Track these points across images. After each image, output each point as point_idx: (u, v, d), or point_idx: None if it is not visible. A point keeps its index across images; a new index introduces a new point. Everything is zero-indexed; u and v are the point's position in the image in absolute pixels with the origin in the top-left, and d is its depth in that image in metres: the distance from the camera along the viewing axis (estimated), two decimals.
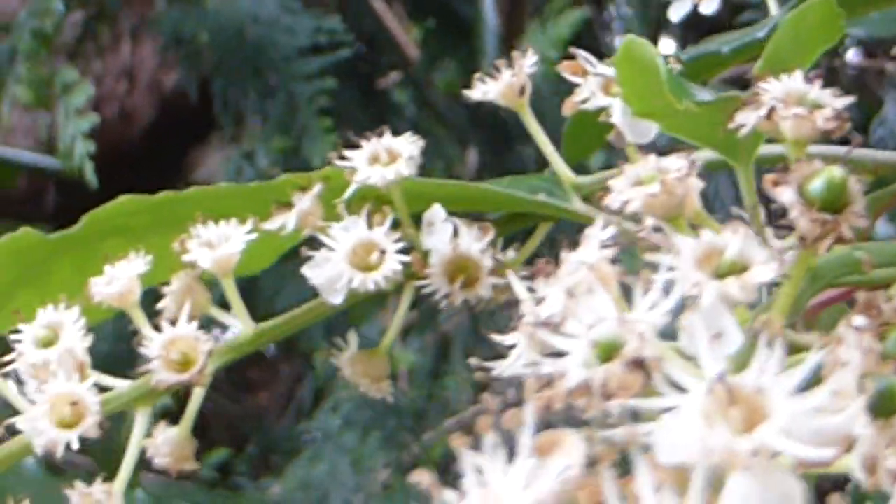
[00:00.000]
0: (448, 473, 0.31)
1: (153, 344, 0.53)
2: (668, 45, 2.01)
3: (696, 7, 0.82)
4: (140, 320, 0.55)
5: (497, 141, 1.81)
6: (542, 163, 0.63)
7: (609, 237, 0.43)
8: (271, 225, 0.57)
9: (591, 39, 2.03)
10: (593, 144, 0.71)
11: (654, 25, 2.04)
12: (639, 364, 0.34)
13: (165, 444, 0.56)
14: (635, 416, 0.34)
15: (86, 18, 1.72)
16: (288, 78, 1.56)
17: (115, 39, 1.93)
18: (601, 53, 0.59)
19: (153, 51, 1.91)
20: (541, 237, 0.61)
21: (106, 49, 1.87)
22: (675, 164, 0.44)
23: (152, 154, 2.05)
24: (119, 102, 1.99)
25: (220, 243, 0.55)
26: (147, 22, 1.75)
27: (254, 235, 0.55)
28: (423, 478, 0.31)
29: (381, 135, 0.60)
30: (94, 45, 1.76)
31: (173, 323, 0.53)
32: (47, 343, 0.52)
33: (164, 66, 1.94)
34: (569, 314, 0.37)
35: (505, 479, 0.31)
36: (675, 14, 0.83)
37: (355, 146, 0.58)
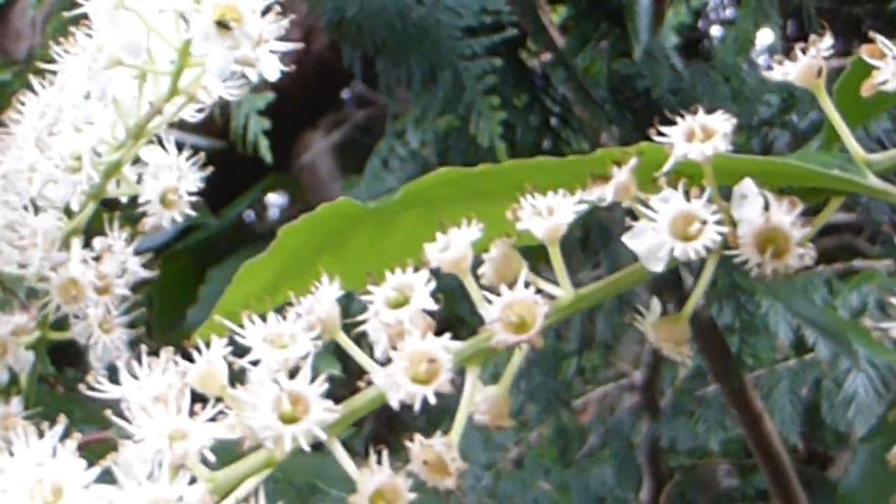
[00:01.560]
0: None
1: (493, 307, 0.56)
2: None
3: None
4: (472, 286, 0.58)
5: (649, 123, 1.83)
6: None
7: None
8: (589, 196, 0.60)
9: None
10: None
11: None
12: None
13: (484, 401, 0.60)
14: None
15: None
16: (454, 57, 1.59)
17: None
18: None
19: None
20: (833, 210, 0.64)
21: None
22: None
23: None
24: None
25: (549, 213, 0.58)
26: (309, 2, 1.78)
27: (583, 206, 0.58)
28: None
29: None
30: None
31: (510, 287, 0.56)
32: (398, 304, 0.56)
33: None
34: None
35: None
36: None
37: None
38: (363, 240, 0.67)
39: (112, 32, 0.72)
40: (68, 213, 0.84)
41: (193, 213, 0.82)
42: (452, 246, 0.58)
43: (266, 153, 1.47)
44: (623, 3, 1.82)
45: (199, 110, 0.79)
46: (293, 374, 0.53)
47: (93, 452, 1.06)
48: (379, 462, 0.53)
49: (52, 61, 0.80)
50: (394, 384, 0.54)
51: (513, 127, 1.67)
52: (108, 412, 0.53)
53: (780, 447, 1.98)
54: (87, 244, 0.85)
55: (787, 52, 0.63)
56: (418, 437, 0.56)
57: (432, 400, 0.54)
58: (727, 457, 2.78)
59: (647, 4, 1.79)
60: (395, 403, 0.54)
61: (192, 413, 0.52)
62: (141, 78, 0.77)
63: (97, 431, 1.15)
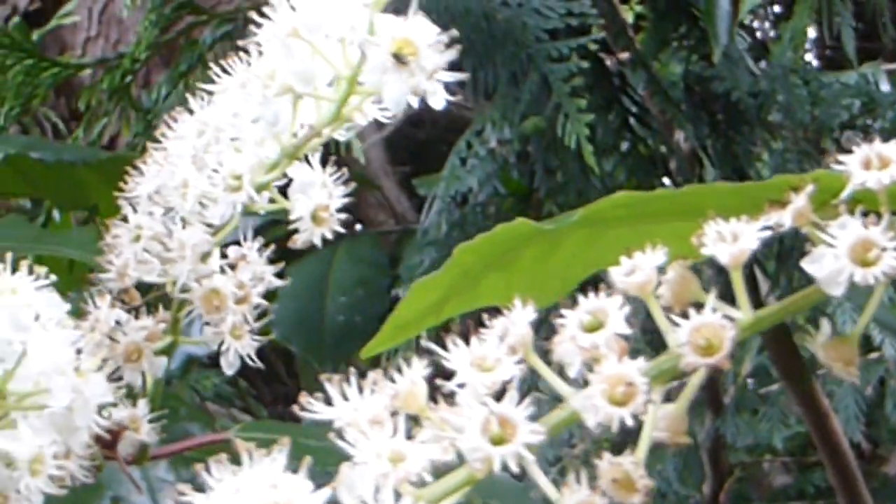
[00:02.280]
0: None
1: (681, 330, 0.58)
2: None
3: None
4: (656, 309, 0.60)
5: (727, 124, 1.84)
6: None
7: None
8: (767, 221, 0.61)
9: None
10: None
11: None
12: None
13: (663, 419, 0.61)
14: None
15: None
16: (540, 59, 1.60)
17: None
18: None
19: None
20: None
21: None
22: None
23: None
24: None
25: (733, 239, 0.60)
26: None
27: (767, 232, 0.60)
28: None
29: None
30: None
31: (697, 310, 0.58)
32: (592, 328, 0.58)
33: None
34: None
35: None
36: None
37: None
38: (529, 258, 0.69)
39: (285, 61, 0.74)
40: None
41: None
42: (638, 270, 0.60)
43: None
44: (702, 5, 1.84)
45: None
46: (498, 396, 0.54)
47: (206, 453, 1.08)
48: (578, 481, 0.55)
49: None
50: (592, 406, 0.56)
51: (592, 127, 1.68)
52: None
53: (846, 445, 2.00)
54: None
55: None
56: (607, 454, 0.58)
57: (629, 422, 0.55)
58: (787, 454, 2.79)
59: (727, 7, 1.80)
60: (592, 424, 0.56)
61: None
62: (296, 100, 0.79)
63: (209, 433, 1.18)
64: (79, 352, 0.70)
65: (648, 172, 1.81)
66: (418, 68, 0.70)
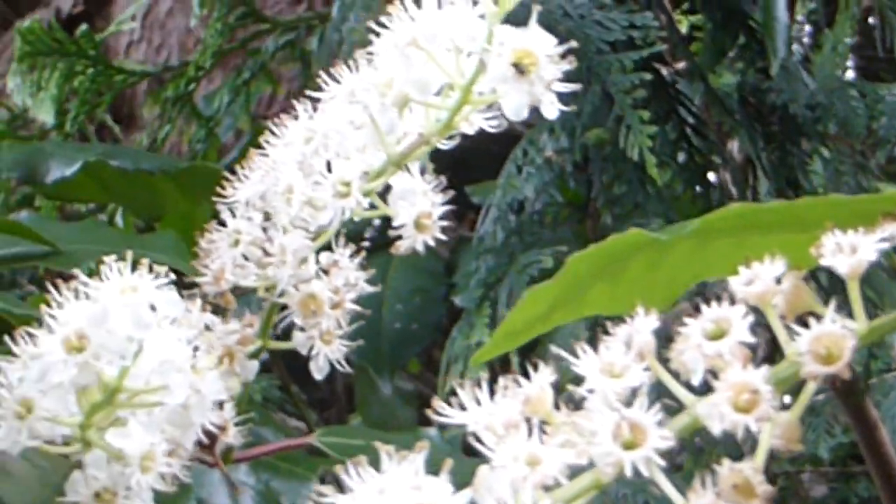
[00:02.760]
0: None
1: (802, 339, 0.59)
2: None
3: None
4: (773, 318, 0.61)
5: (783, 136, 1.85)
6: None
7: None
8: (883, 234, 0.63)
9: None
10: None
11: None
12: None
13: (778, 426, 0.62)
14: None
15: None
16: (602, 71, 1.62)
17: None
18: None
19: None
20: None
21: None
22: None
23: None
24: None
25: (851, 251, 0.61)
26: None
27: (885, 244, 0.61)
28: None
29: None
30: None
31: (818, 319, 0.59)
32: (716, 336, 0.59)
33: None
34: None
35: None
36: None
37: None
38: (637, 269, 0.70)
39: (403, 70, 0.75)
40: None
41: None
42: (757, 280, 0.61)
43: None
44: (759, 17, 1.85)
45: None
46: (628, 402, 0.56)
47: (283, 458, 1.09)
48: (703, 485, 0.56)
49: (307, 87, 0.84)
50: (717, 413, 0.57)
51: (651, 138, 1.69)
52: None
53: (894, 455, 2.00)
54: None
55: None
56: (727, 460, 0.59)
57: (754, 428, 0.57)
58: (830, 464, 2.79)
59: (785, 20, 1.82)
60: (717, 431, 0.57)
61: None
62: (402, 108, 0.80)
63: (282, 438, 1.19)
64: (195, 350, 0.72)
65: (705, 183, 1.82)
66: (538, 78, 0.72)
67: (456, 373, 1.66)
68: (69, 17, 2.26)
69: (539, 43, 0.72)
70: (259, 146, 0.86)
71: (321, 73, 0.81)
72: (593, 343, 0.59)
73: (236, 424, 0.86)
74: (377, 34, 0.79)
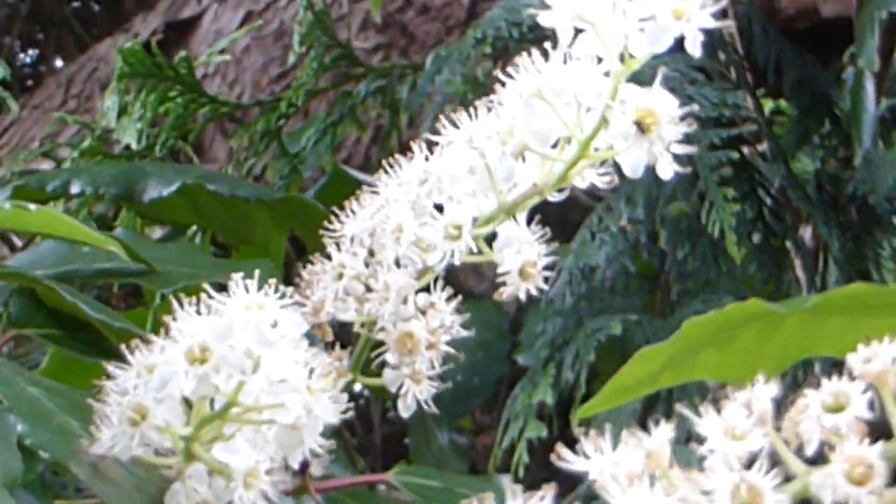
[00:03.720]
0: None
1: None
2: None
3: None
4: (888, 398, 0.62)
5: (860, 226, 1.86)
6: None
7: None
8: None
9: None
10: None
11: None
12: None
13: (885, 502, 0.63)
14: None
15: None
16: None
17: None
18: None
19: None
20: None
21: None
22: None
23: None
24: None
25: None
26: None
27: None
28: None
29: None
30: None
31: None
32: (834, 409, 0.60)
33: None
34: None
35: None
36: None
37: None
38: (748, 338, 0.71)
39: (525, 119, 0.77)
40: None
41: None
42: (875, 358, 0.62)
43: None
44: (846, 106, 1.86)
45: None
46: (748, 464, 0.57)
47: (349, 494, 1.10)
48: None
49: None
50: (831, 483, 0.58)
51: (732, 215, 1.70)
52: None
53: None
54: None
55: None
56: None
57: (865, 502, 0.57)
58: None
59: (873, 111, 1.82)
60: (828, 501, 0.58)
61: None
62: (518, 158, 0.82)
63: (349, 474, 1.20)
64: (311, 371, 0.73)
65: (779, 266, 1.83)
66: (658, 138, 0.73)
67: (515, 431, 1.67)
68: (146, 45, 2.31)
69: (662, 103, 0.74)
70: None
71: (441, 117, 0.83)
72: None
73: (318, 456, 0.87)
74: (502, 84, 0.81)
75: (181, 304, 0.72)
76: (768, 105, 2.18)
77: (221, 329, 0.69)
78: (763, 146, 1.92)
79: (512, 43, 1.71)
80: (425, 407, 0.93)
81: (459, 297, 0.92)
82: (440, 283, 0.91)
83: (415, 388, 0.91)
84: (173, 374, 0.69)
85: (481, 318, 1.96)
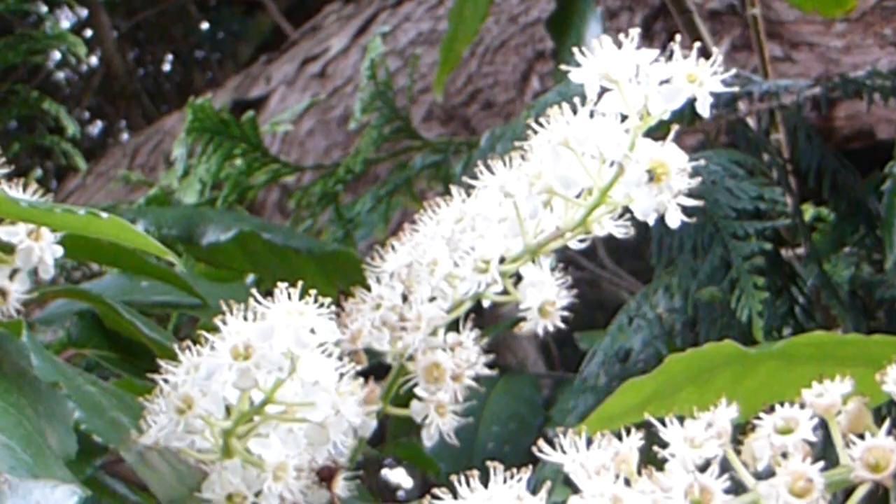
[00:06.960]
0: None
1: (856, 448, 0.69)
2: None
3: None
4: (835, 430, 0.71)
5: (886, 330, 1.93)
6: None
7: None
8: None
9: None
10: None
11: None
12: None
13: None
14: None
15: None
16: (726, 235, 1.71)
17: None
18: None
19: None
20: None
21: None
22: None
23: None
24: None
25: None
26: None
27: None
28: None
29: None
30: None
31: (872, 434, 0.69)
32: (784, 431, 0.69)
33: None
34: None
35: None
36: None
37: None
38: (723, 379, 0.80)
39: (551, 164, 0.87)
40: None
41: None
42: (826, 394, 0.71)
43: None
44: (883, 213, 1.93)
45: None
46: (702, 469, 0.66)
47: None
48: None
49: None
50: (775, 493, 0.67)
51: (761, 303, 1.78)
52: None
53: None
54: None
55: None
56: None
57: None
58: None
59: None
60: None
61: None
62: (546, 200, 0.91)
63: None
64: (340, 376, 0.83)
65: None
66: (667, 187, 0.83)
67: (542, 493, 1.73)
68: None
69: (673, 156, 0.84)
70: None
71: (479, 164, 0.93)
72: None
73: (347, 479, 0.94)
74: (535, 132, 0.91)
75: (231, 310, 0.82)
76: (810, 212, 2.26)
77: (264, 330, 0.79)
78: (800, 250, 2.00)
79: None
80: (447, 439, 1.00)
81: (486, 339, 1.01)
82: (469, 324, 0.99)
83: (439, 419, 0.99)
84: (218, 367, 0.79)
85: (515, 392, 2.04)
